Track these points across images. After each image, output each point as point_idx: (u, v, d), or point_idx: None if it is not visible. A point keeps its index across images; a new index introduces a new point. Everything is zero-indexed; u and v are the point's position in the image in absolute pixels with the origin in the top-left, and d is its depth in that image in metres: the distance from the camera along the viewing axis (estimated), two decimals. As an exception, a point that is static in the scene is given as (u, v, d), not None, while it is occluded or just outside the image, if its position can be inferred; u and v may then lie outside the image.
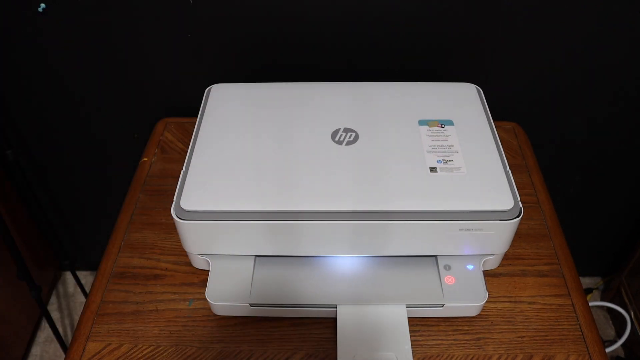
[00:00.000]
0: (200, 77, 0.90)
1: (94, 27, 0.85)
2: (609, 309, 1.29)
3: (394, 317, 0.61)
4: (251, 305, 0.61)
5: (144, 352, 0.61)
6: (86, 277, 1.37)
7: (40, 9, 0.82)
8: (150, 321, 0.63)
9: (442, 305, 0.61)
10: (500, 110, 0.91)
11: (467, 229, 0.59)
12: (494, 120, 0.70)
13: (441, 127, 0.68)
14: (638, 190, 1.10)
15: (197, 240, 0.62)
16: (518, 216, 0.58)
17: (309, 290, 0.62)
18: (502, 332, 0.62)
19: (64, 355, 1.22)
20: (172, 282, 0.67)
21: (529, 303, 0.65)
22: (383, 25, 0.83)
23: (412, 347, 0.59)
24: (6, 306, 1.12)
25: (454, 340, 0.62)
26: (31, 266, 1.16)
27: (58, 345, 1.22)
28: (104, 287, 0.67)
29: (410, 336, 0.60)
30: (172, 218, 0.59)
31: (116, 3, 0.82)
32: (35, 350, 1.25)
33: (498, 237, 0.61)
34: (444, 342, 0.61)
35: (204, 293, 0.61)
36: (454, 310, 0.62)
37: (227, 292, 0.61)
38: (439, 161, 0.63)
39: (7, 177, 1.10)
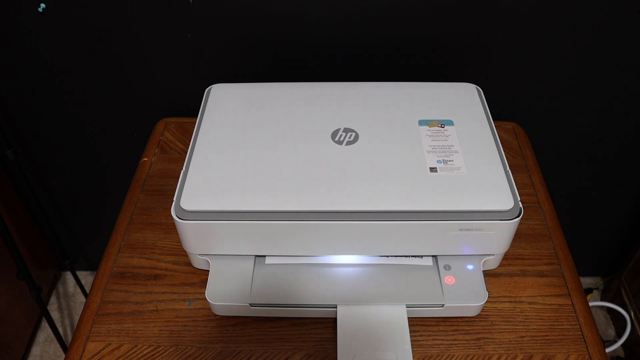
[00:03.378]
0: (200, 77, 0.90)
1: (93, 27, 0.85)
2: (609, 309, 1.29)
3: (394, 317, 0.61)
4: (251, 305, 0.61)
5: (144, 352, 0.61)
6: (86, 277, 1.37)
7: (40, 9, 0.82)
8: (150, 321, 0.63)
9: (442, 305, 0.61)
10: (500, 110, 0.91)
11: (467, 229, 0.59)
12: (494, 120, 0.70)
13: (441, 127, 0.68)
14: (638, 190, 1.10)
15: (197, 240, 0.62)
16: (518, 216, 0.58)
17: (309, 290, 0.62)
18: (502, 332, 0.62)
19: (64, 355, 1.22)
20: (172, 282, 0.67)
21: (529, 303, 0.65)
22: (383, 25, 0.83)
23: (412, 347, 0.59)
24: (6, 306, 1.12)
25: (454, 340, 0.62)
26: (31, 266, 1.16)
27: (58, 345, 1.22)
28: (104, 287, 0.67)
29: (410, 336, 0.60)
30: (172, 218, 0.59)
31: (116, 3, 0.82)
32: (35, 350, 1.25)
33: (498, 237, 0.61)
34: (444, 342, 0.61)
35: (204, 293, 0.61)
36: (454, 310, 0.62)
37: (227, 292, 0.61)
38: (439, 161, 0.63)
39: (7, 177, 1.11)
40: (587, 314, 0.64)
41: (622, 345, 1.21)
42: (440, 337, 0.62)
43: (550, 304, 0.65)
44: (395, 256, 0.64)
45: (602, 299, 1.33)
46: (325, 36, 0.85)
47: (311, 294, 0.62)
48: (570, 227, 1.07)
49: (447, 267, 0.63)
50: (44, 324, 1.29)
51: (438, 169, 0.62)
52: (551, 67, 0.89)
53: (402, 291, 0.62)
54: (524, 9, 0.81)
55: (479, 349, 0.61)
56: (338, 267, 0.64)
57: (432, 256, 0.64)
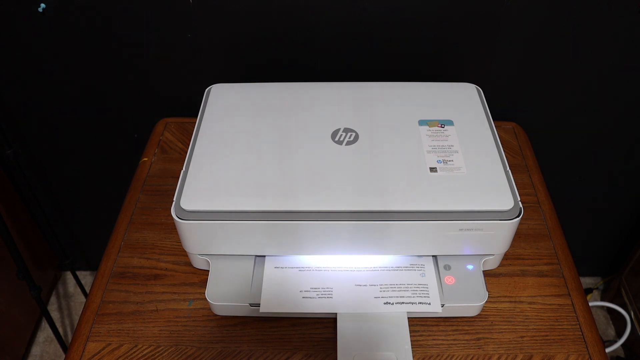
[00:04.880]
0: (200, 77, 0.90)
1: (94, 27, 0.85)
2: (609, 309, 1.29)
3: (394, 317, 0.60)
4: (251, 305, 0.61)
5: (144, 352, 0.61)
6: (86, 277, 1.37)
7: (40, 9, 0.82)
8: (150, 321, 0.63)
9: (442, 305, 0.61)
10: (500, 110, 0.91)
11: (467, 229, 0.59)
12: (494, 120, 0.70)
13: (441, 127, 0.68)
14: (638, 190, 1.10)
15: (197, 240, 0.62)
16: (518, 216, 0.58)
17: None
18: (502, 332, 0.62)
19: (64, 355, 1.22)
20: (172, 282, 0.67)
21: (529, 303, 0.65)
22: (383, 25, 0.83)
23: (412, 347, 0.59)
24: (6, 306, 1.12)
25: (454, 340, 0.62)
26: (31, 266, 1.16)
27: (58, 345, 1.22)
28: (104, 287, 0.67)
29: (410, 336, 0.60)
30: (172, 218, 0.59)
31: (116, 3, 0.82)
32: (35, 350, 1.25)
33: (498, 237, 0.61)
34: (444, 342, 0.61)
35: (204, 293, 0.61)
36: (454, 310, 0.62)
37: (227, 292, 0.61)
38: (439, 161, 0.63)
39: (7, 177, 1.10)
40: (587, 314, 0.64)
41: (622, 345, 1.21)
42: (440, 337, 0.62)
43: (550, 304, 0.65)
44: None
45: (602, 299, 1.33)
46: (326, 36, 0.85)
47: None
48: (570, 227, 1.07)
49: (447, 267, 0.63)
50: (44, 324, 1.29)
51: (438, 169, 0.62)
52: (551, 67, 0.89)
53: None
54: (524, 9, 0.81)
55: (479, 349, 0.61)
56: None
57: (432, 256, 0.64)
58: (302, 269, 0.64)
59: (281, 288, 0.62)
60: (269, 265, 0.64)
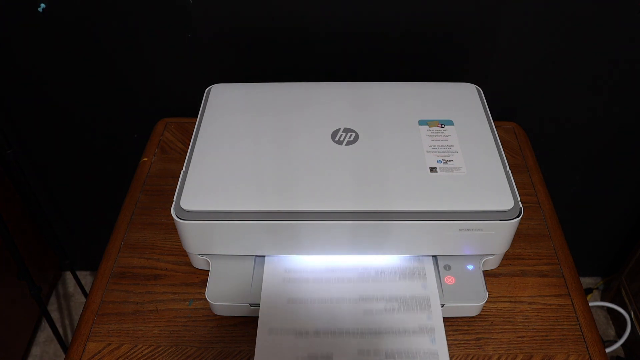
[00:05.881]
0: (200, 77, 0.90)
1: (93, 26, 0.85)
2: (609, 309, 1.29)
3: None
4: (251, 305, 0.61)
5: (144, 352, 0.61)
6: (86, 277, 1.37)
7: (40, 9, 0.82)
8: (150, 321, 0.63)
9: (442, 305, 0.61)
10: (500, 110, 0.91)
11: (467, 229, 0.59)
12: (494, 120, 0.70)
13: (441, 127, 0.68)
14: (638, 190, 1.10)
15: (197, 240, 0.62)
16: (518, 216, 0.58)
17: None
18: (502, 332, 0.62)
19: (64, 355, 1.22)
20: (172, 282, 0.67)
21: (529, 303, 0.65)
22: (383, 25, 0.83)
23: (412, 347, 0.59)
24: (6, 306, 1.12)
25: (454, 340, 0.62)
26: (31, 266, 1.16)
27: (58, 345, 1.22)
28: (104, 287, 0.67)
29: (410, 336, 0.60)
30: (172, 218, 0.59)
31: (116, 3, 0.82)
32: (35, 350, 1.25)
33: (498, 237, 0.61)
34: (444, 342, 0.61)
35: (204, 293, 0.61)
36: (453, 310, 0.62)
37: (227, 292, 0.61)
38: (439, 161, 0.63)
39: (7, 177, 1.11)
40: (587, 314, 0.64)
41: (622, 345, 1.21)
42: (440, 337, 0.62)
43: (550, 304, 0.65)
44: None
45: (602, 299, 1.33)
46: (326, 36, 0.85)
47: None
48: (570, 227, 1.07)
49: (447, 267, 0.63)
50: (44, 324, 1.29)
51: (438, 169, 0.62)
52: (551, 67, 0.89)
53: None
54: (524, 9, 0.81)
55: (479, 349, 0.61)
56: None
57: (432, 256, 0.64)
58: (300, 333, 0.58)
59: (275, 357, 0.57)
60: (262, 329, 0.58)
